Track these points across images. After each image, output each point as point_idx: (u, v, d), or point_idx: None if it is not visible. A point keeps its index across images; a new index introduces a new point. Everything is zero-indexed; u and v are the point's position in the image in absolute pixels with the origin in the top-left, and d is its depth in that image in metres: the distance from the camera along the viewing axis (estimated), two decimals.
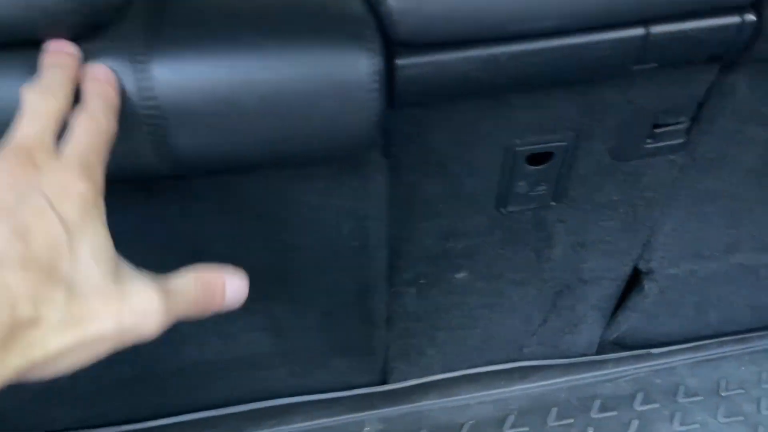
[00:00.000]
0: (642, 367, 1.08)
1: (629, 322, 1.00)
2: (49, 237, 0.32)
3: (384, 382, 1.00)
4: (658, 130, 0.70)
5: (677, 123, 0.70)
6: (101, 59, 0.45)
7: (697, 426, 1.00)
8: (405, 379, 1.01)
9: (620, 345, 1.08)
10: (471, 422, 1.01)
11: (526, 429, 1.00)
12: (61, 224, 0.33)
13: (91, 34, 0.46)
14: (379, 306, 0.81)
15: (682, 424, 1.00)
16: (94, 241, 0.34)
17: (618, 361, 1.08)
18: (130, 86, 0.45)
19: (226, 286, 0.42)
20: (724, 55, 0.62)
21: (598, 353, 1.08)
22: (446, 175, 0.70)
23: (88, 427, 0.90)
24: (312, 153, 0.53)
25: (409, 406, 1.02)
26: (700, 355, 1.09)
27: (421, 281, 0.83)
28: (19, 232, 0.31)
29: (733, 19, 0.58)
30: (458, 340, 0.97)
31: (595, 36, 0.56)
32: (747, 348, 1.09)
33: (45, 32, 0.44)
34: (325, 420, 1.01)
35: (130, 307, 0.35)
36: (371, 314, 0.83)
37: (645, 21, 0.57)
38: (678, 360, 1.09)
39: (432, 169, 0.69)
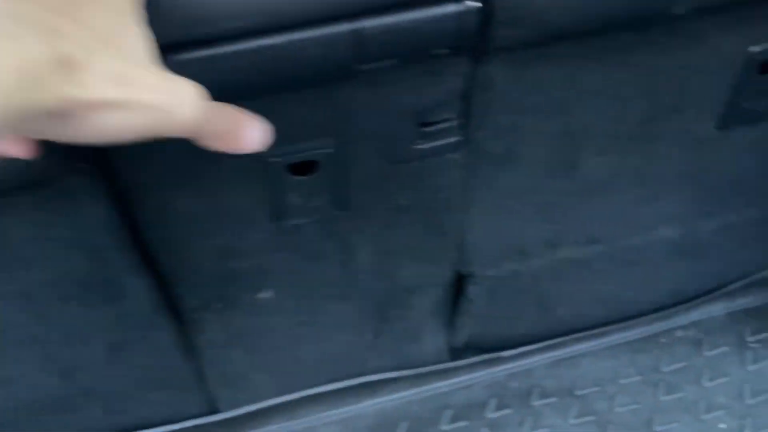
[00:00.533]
0: (498, 371, 1.04)
1: (470, 326, 0.96)
2: (102, 16, 0.34)
3: (215, 411, 0.94)
4: (426, 129, 0.66)
5: (445, 121, 0.66)
6: None
7: (547, 430, 0.96)
8: (238, 406, 0.95)
9: (475, 349, 1.04)
10: None
11: None
12: (114, 10, 0.35)
13: None
14: (162, 337, 0.75)
15: (532, 429, 0.96)
16: (141, 29, 0.37)
17: (472, 367, 1.04)
18: None
19: (249, 127, 0.42)
20: (460, 46, 0.57)
21: (453, 359, 1.04)
22: (202, 190, 0.65)
23: None
24: None
25: None
26: (558, 353, 1.06)
27: (216, 305, 0.78)
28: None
29: (454, 7, 0.53)
30: (287, 360, 0.91)
31: (297, 35, 0.51)
32: (604, 342, 1.06)
33: None
34: None
35: (169, 87, 0.36)
36: (160, 346, 0.77)
37: (355, 15, 0.52)
38: (535, 360, 1.05)
39: (183, 185, 0.64)
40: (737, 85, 0.74)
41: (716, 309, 1.09)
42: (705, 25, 0.66)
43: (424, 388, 1.02)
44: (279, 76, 0.54)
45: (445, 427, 0.97)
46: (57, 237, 0.58)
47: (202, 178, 0.63)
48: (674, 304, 1.08)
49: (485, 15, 0.55)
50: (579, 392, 1.01)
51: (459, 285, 0.89)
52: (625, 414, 0.97)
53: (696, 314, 1.09)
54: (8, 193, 0.52)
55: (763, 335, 1.07)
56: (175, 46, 0.50)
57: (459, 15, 0.54)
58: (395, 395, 1.01)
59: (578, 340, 1.06)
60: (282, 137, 0.61)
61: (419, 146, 0.67)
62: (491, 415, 0.98)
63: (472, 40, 0.57)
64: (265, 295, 0.80)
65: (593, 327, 1.07)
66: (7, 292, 0.64)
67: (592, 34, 0.62)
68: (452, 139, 0.68)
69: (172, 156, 0.60)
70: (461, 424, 0.98)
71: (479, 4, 0.54)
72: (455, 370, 1.03)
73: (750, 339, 1.06)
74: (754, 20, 0.68)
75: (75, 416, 0.86)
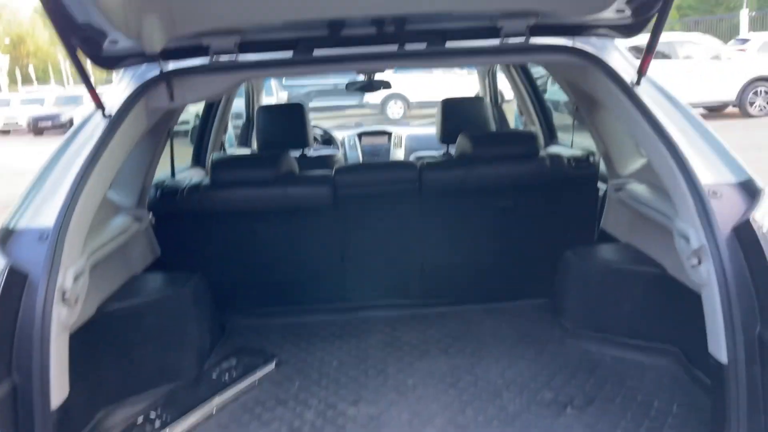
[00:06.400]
0: None
1: None
2: None
3: None
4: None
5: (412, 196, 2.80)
6: None
7: None
8: None
9: None
10: None
11: None
12: None
13: None
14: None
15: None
16: None
17: None
18: None
19: None
20: (413, 189, 2.74)
21: None
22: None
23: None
24: None
25: None
26: None
27: None
28: None
29: (415, 175, 2.71)
30: None
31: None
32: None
33: None
34: None
35: None
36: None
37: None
38: None
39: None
40: (496, 213, 2.80)
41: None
42: (483, 193, 2.75)
43: None
44: None
45: None
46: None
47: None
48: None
49: (419, 183, 2.71)
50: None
51: None
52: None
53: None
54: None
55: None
56: None
57: (418, 180, 2.71)
58: None
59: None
60: None
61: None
62: None
63: (417, 186, 2.72)
64: None
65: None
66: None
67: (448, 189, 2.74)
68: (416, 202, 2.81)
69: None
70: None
71: (418, 182, 2.70)
72: None
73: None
74: (498, 194, 2.75)
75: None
